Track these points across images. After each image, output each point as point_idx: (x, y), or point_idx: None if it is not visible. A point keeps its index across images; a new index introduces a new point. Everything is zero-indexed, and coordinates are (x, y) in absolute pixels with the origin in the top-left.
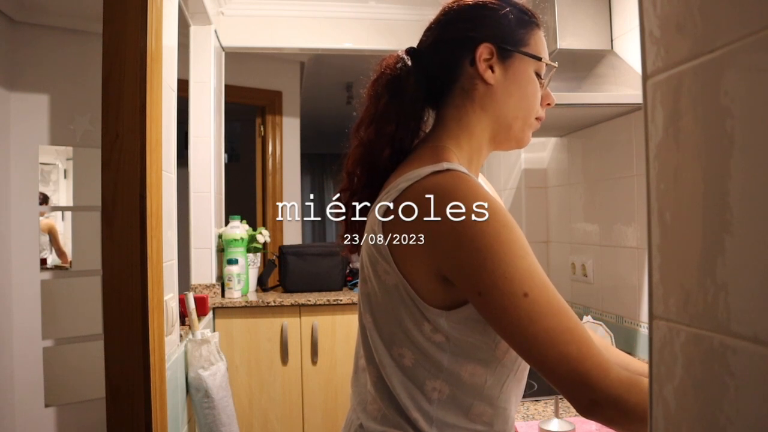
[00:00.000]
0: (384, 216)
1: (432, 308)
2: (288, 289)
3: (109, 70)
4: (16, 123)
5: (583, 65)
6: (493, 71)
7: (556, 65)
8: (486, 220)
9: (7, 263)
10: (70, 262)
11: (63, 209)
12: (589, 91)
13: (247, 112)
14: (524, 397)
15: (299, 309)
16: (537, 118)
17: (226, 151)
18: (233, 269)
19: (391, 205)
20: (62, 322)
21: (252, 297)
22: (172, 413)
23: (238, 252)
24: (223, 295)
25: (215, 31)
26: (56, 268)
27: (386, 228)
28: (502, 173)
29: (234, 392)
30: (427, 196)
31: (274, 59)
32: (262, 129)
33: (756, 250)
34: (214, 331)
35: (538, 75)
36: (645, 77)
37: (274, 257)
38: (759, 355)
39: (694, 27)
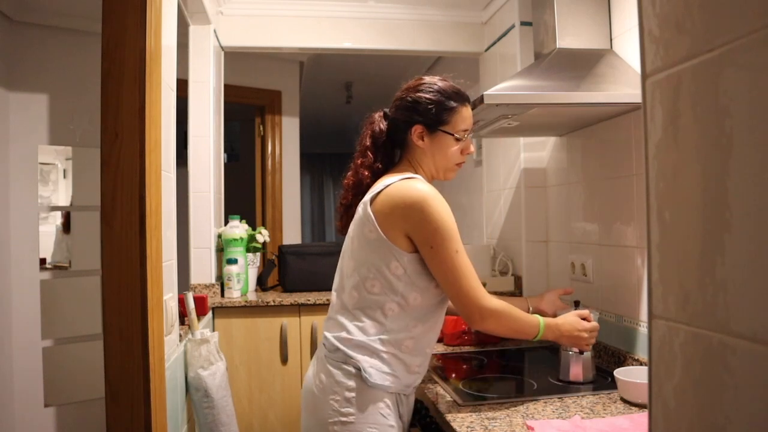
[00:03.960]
0: (373, 199)
1: (401, 250)
2: (287, 289)
3: (108, 70)
4: (15, 123)
5: (583, 64)
6: (423, 140)
7: (467, 137)
8: (435, 206)
9: (6, 263)
10: (70, 261)
11: (62, 209)
12: (588, 90)
13: (246, 112)
14: (524, 396)
15: (299, 309)
16: (458, 164)
17: (225, 151)
18: (233, 269)
19: (378, 193)
20: (62, 322)
21: (251, 297)
22: (172, 413)
23: (237, 252)
24: (222, 295)
25: (214, 31)
26: (55, 267)
27: (374, 205)
28: (501, 172)
29: (233, 392)
30: (403, 189)
31: (274, 59)
32: (261, 128)
33: (755, 249)
34: (213, 330)
35: (459, 138)
36: (644, 76)
37: (274, 257)
38: (758, 354)
39: (693, 26)
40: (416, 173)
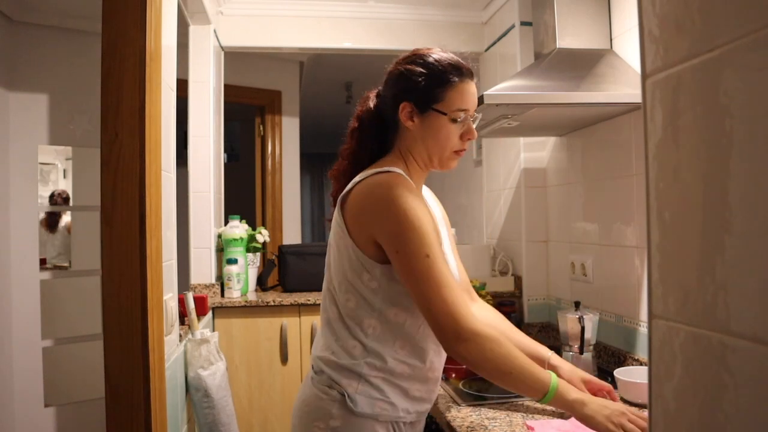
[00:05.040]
0: (342, 199)
1: (370, 260)
2: (287, 289)
3: (108, 70)
4: (15, 123)
5: (583, 64)
6: (413, 120)
7: (461, 118)
8: (403, 203)
9: (6, 263)
10: (70, 261)
11: (62, 209)
12: (588, 90)
13: (246, 112)
14: (524, 396)
15: (299, 308)
16: (456, 152)
17: (225, 151)
18: (233, 269)
19: (348, 192)
20: (62, 322)
21: (251, 297)
22: (172, 413)
23: (237, 252)
24: (222, 295)
25: (214, 31)
26: (56, 267)
27: (343, 206)
28: (501, 173)
29: (234, 392)
30: (371, 185)
31: (274, 59)
32: (261, 128)
33: (756, 249)
34: (213, 330)
35: (455, 119)
36: (644, 76)
37: (274, 257)
38: (758, 353)
39: (693, 26)
40: (406, 162)
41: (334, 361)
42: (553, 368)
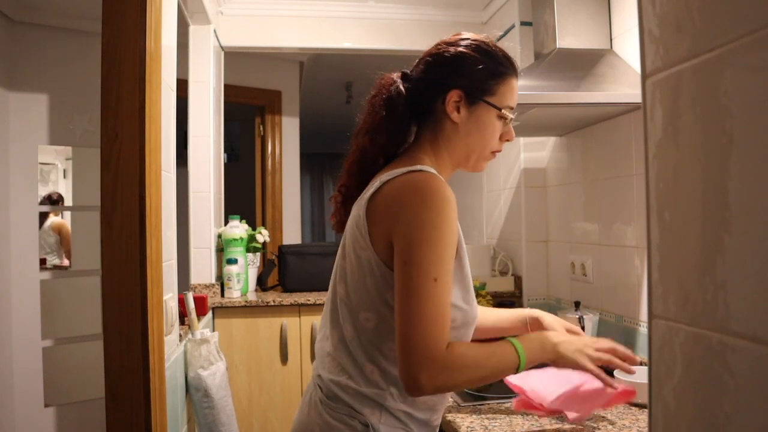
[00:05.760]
0: (368, 202)
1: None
2: (287, 289)
3: (108, 70)
4: (15, 123)
5: (583, 64)
6: (459, 112)
7: (513, 117)
8: (435, 212)
9: (6, 263)
10: (70, 262)
11: (62, 209)
12: (588, 90)
13: (246, 112)
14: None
15: (299, 309)
16: (493, 152)
17: (225, 151)
18: (233, 269)
19: (374, 194)
20: (62, 322)
21: (251, 297)
22: (172, 413)
23: (237, 252)
24: (222, 295)
25: (214, 31)
26: (56, 267)
27: (369, 211)
28: (501, 173)
29: (233, 392)
30: (404, 186)
31: (274, 59)
32: (261, 129)
33: (756, 248)
34: (213, 330)
35: (503, 116)
36: (644, 76)
37: (274, 257)
38: (758, 353)
39: (693, 26)
40: (436, 158)
41: (353, 387)
42: (535, 321)
